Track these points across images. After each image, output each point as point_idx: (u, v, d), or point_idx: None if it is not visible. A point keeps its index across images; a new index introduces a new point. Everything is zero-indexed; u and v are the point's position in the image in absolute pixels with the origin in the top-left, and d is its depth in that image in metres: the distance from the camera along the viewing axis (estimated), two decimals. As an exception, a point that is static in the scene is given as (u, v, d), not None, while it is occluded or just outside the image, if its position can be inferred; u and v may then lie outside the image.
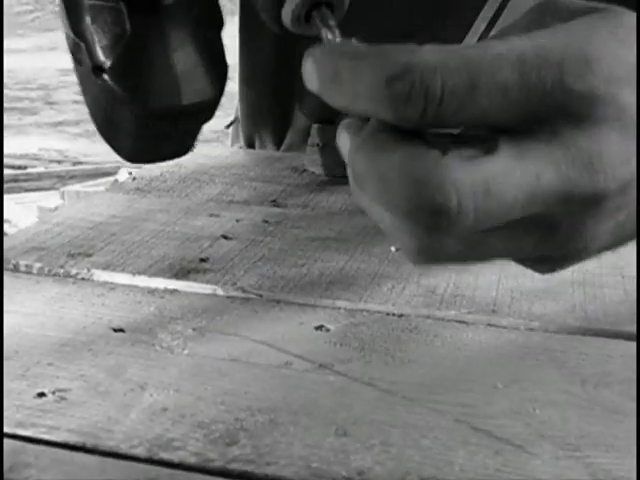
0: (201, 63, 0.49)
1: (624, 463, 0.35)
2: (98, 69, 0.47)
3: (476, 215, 0.26)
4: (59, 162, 4.21)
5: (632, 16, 0.29)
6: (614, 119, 0.27)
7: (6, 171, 3.84)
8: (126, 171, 0.76)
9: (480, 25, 0.79)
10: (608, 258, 0.58)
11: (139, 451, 0.35)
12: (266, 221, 0.63)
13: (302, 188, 0.71)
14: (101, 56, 0.47)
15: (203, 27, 0.50)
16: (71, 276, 0.53)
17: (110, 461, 0.35)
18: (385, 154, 0.26)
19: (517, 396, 0.40)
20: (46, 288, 0.52)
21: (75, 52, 0.49)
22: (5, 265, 0.55)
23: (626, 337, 0.46)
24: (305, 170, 0.75)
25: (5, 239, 0.61)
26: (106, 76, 0.47)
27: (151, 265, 0.55)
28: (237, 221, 0.63)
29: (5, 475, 0.34)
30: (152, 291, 0.51)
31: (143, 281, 0.53)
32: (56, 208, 0.72)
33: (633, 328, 0.47)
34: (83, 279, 0.53)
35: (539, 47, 0.26)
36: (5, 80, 5.50)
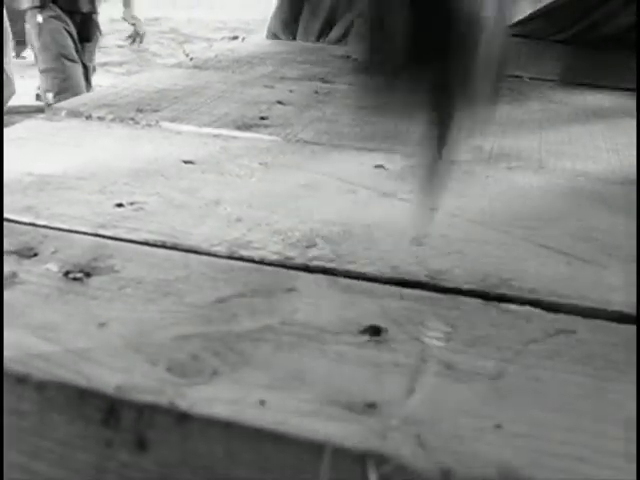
0: None
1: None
2: None
3: None
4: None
5: None
6: None
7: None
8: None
9: None
10: (630, 131, 0.53)
11: (219, 249, 0.30)
12: (317, 92, 0.58)
13: (347, 71, 0.65)
14: None
15: None
16: (139, 124, 0.48)
17: (192, 256, 0.30)
18: None
19: (574, 224, 0.35)
20: (117, 131, 0.46)
21: None
22: (78, 116, 0.50)
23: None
24: (349, 57, 0.68)
25: (77, 98, 0.55)
26: None
27: (214, 120, 0.49)
28: (290, 91, 0.57)
29: (90, 264, 0.29)
30: (217, 135, 0.46)
31: (209, 131, 0.47)
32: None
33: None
34: (150, 125, 0.48)
35: None
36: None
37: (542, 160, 0.45)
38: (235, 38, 0.73)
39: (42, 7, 2.31)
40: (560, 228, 0.34)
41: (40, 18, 2.35)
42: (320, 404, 0.21)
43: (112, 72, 5.32)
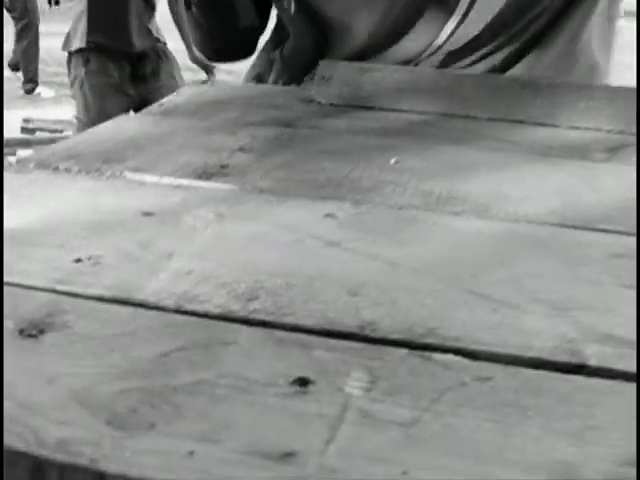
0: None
1: (603, 321, 0.33)
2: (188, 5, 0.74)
3: None
4: (91, 128, 4.14)
5: None
6: None
7: (45, 134, 3.77)
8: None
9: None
10: (577, 171, 0.56)
11: (167, 303, 0.33)
12: (278, 138, 0.60)
13: (310, 114, 0.68)
14: None
15: None
16: (104, 175, 0.50)
17: (141, 311, 0.32)
18: None
19: (508, 270, 0.38)
20: (82, 184, 0.49)
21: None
22: (46, 168, 0.52)
23: (596, 230, 0.44)
24: (312, 100, 0.71)
25: (46, 149, 0.57)
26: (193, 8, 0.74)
27: (176, 170, 0.52)
28: (252, 137, 0.60)
29: (45, 320, 0.31)
30: (177, 186, 0.48)
31: (170, 181, 0.50)
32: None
33: (602, 225, 0.45)
34: (115, 176, 0.50)
35: None
36: (44, 58, 5.39)
37: (487, 204, 0.47)
38: (204, 82, 0.76)
39: (87, 58, 2.13)
40: (493, 274, 0.37)
41: (83, 71, 2.18)
42: (243, 454, 0.23)
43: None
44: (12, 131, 4.00)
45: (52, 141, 3.77)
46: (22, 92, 5.22)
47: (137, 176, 0.50)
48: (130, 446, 0.23)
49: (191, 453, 0.23)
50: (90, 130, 0.62)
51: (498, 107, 0.70)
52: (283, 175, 0.51)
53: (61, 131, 3.74)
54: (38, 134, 3.83)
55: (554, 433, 0.25)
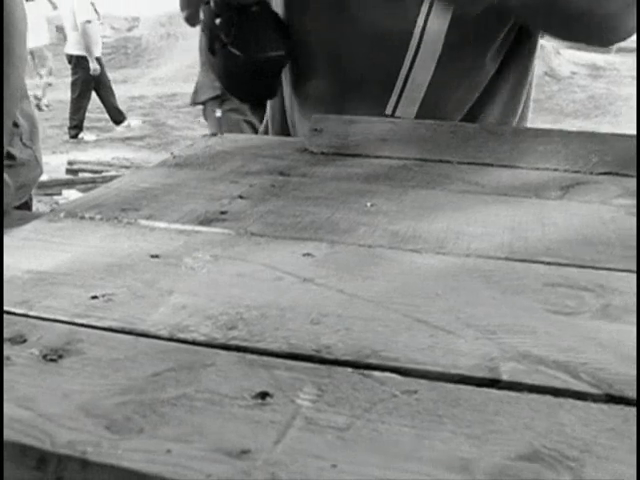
0: (277, 34, 0.81)
1: (525, 343, 0.37)
2: (222, 44, 0.79)
3: None
4: (127, 167, 4.27)
5: None
6: None
7: (86, 175, 3.88)
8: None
9: None
10: (530, 208, 0.60)
11: (163, 333, 0.38)
12: (273, 185, 0.65)
13: (303, 162, 0.73)
14: (224, 38, 0.79)
15: (273, 16, 0.83)
16: (121, 222, 0.56)
17: (142, 339, 0.37)
18: None
19: (450, 300, 0.42)
20: (102, 230, 0.54)
21: (211, 45, 0.81)
22: (74, 217, 0.57)
23: (537, 262, 0.48)
24: (306, 149, 0.76)
25: (74, 200, 0.63)
26: (229, 46, 0.79)
27: (182, 217, 0.57)
28: (251, 186, 0.65)
29: (64, 347, 0.36)
30: (182, 231, 0.53)
31: (176, 227, 0.55)
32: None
33: (543, 257, 0.49)
34: (131, 224, 0.55)
35: None
36: (89, 106, 5.56)
37: (444, 241, 0.52)
38: (214, 135, 0.81)
39: (222, 99, 2.15)
40: (436, 304, 0.41)
41: (219, 112, 2.20)
42: (209, 451, 0.28)
43: (134, 145, 5.54)
44: (58, 172, 4.13)
45: (93, 181, 3.88)
46: (67, 137, 5.38)
47: (149, 223, 0.55)
48: (122, 446, 0.28)
49: (169, 451, 0.28)
50: (113, 182, 0.67)
51: (468, 152, 0.75)
52: (272, 220, 0.56)
53: (101, 172, 3.85)
54: (81, 175, 3.95)
55: (461, 436, 0.29)
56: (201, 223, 0.55)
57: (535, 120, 0.95)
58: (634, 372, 0.34)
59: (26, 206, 1.15)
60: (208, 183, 0.66)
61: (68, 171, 3.97)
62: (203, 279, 0.45)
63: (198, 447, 0.28)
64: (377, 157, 0.75)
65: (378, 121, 0.78)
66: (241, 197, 0.62)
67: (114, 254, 0.49)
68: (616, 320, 0.40)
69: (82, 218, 0.57)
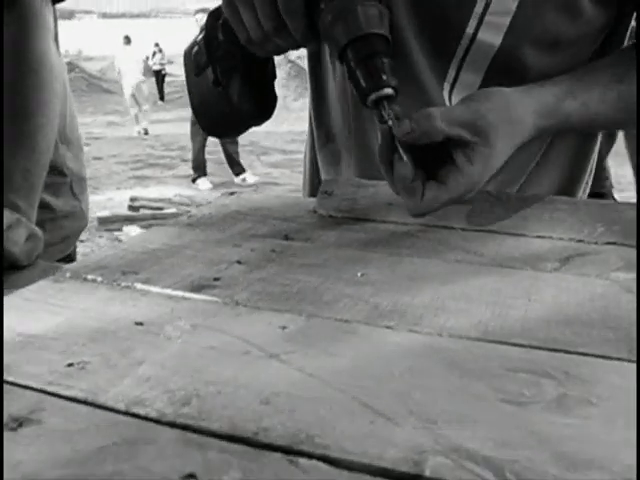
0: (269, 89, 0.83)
1: (461, 435, 0.37)
2: (216, 84, 0.79)
3: None
4: (188, 205, 4.42)
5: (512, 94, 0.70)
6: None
7: (147, 211, 4.03)
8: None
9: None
10: (521, 282, 0.60)
11: (120, 406, 0.40)
12: (273, 250, 0.68)
13: (310, 225, 0.75)
14: (219, 75, 0.79)
15: (269, 74, 0.83)
16: (119, 285, 0.59)
17: (99, 411, 0.40)
18: None
19: (404, 383, 0.43)
20: (101, 293, 0.58)
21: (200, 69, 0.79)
22: (77, 278, 0.61)
23: (507, 344, 0.48)
24: (315, 212, 0.79)
25: (81, 261, 0.67)
26: (220, 88, 0.79)
27: (177, 282, 0.60)
28: (252, 250, 0.68)
29: (26, 416, 0.39)
30: (171, 297, 0.57)
31: (168, 292, 0.58)
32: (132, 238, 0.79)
33: (515, 339, 0.49)
34: (127, 287, 0.59)
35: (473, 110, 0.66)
36: (153, 143, 5.79)
37: (421, 317, 0.53)
38: (232, 194, 0.85)
39: None
40: (388, 386, 0.42)
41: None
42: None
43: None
44: (121, 208, 4.31)
45: (154, 217, 4.04)
46: (132, 173, 5.61)
47: (144, 287, 0.59)
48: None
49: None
50: (123, 242, 0.71)
51: (475, 217, 0.76)
52: (261, 288, 0.59)
53: (161, 209, 3.99)
54: (142, 211, 4.10)
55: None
56: (192, 289, 0.58)
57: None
58: (567, 473, 0.35)
59: (69, 258, 1.17)
60: (212, 246, 0.70)
61: (130, 207, 4.13)
62: (175, 350, 0.47)
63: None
64: (383, 222, 0.77)
65: (386, 185, 0.79)
66: (239, 262, 0.65)
67: (102, 319, 0.52)
68: (567, 414, 0.40)
69: (85, 280, 0.61)
